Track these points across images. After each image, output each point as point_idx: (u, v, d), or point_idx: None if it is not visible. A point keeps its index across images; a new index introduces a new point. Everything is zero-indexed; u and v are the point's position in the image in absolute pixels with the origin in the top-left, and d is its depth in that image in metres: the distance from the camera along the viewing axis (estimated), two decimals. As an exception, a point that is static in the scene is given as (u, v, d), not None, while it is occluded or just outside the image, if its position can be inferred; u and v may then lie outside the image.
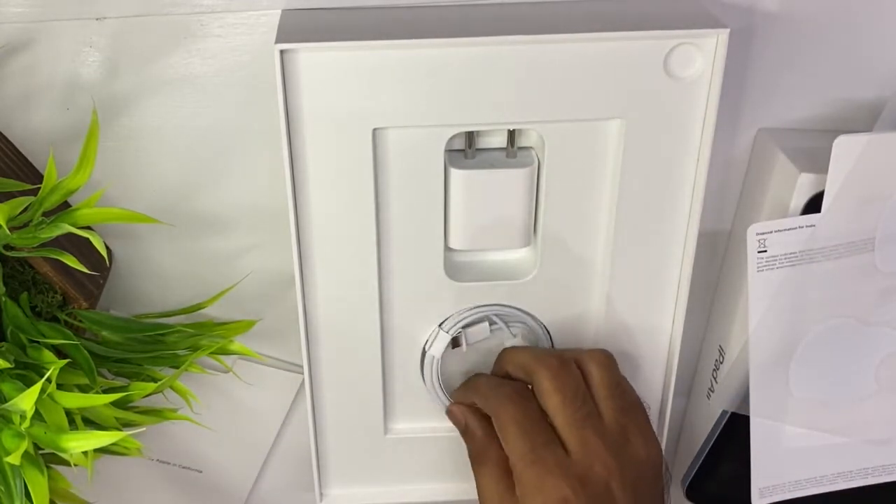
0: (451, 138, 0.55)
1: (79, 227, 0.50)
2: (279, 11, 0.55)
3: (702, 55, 0.52)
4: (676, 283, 0.60)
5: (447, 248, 0.59)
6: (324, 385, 0.63)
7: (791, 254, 0.57)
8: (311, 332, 0.60)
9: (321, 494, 0.68)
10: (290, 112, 0.52)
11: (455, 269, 0.60)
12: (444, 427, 0.64)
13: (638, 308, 0.61)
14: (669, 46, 0.52)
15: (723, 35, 0.51)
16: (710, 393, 0.67)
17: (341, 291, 0.59)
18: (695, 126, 0.54)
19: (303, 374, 0.68)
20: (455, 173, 0.56)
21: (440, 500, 0.68)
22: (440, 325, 0.61)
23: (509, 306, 0.60)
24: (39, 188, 0.51)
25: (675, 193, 0.57)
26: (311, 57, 0.51)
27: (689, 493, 0.69)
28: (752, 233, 0.56)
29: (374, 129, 0.53)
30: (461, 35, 0.51)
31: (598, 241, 0.59)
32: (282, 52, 0.50)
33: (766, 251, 0.57)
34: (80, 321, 0.57)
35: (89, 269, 0.52)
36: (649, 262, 0.59)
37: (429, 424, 0.66)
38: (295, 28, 0.52)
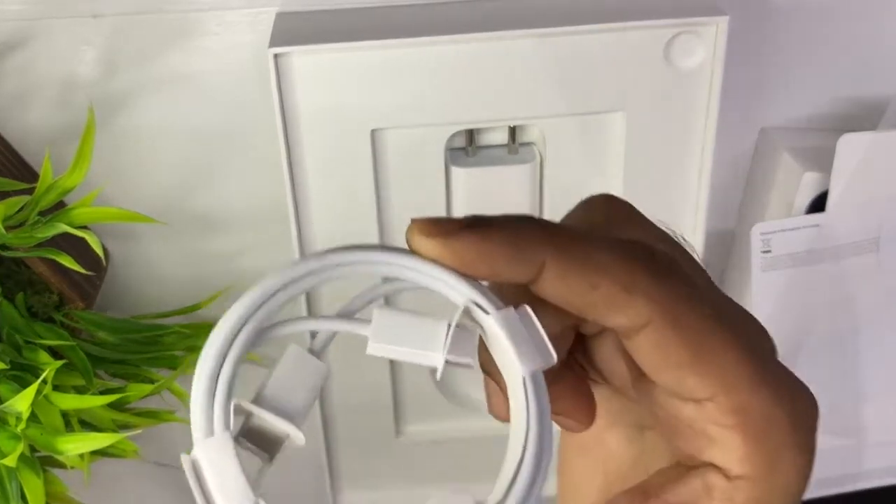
0: (452, 136, 0.54)
1: (75, 227, 0.49)
2: (277, 9, 0.54)
3: (703, 44, 0.52)
4: None
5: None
6: (333, 391, 0.62)
7: (795, 253, 0.56)
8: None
9: (334, 500, 0.67)
10: (287, 115, 0.52)
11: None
12: (457, 428, 0.63)
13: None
14: (669, 35, 0.51)
15: (722, 22, 0.51)
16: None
17: (345, 295, 0.58)
18: (698, 117, 0.54)
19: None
20: (457, 171, 0.56)
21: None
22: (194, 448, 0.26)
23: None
24: (35, 187, 0.51)
25: (681, 187, 0.56)
26: (305, 59, 0.51)
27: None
28: (756, 232, 0.56)
29: (373, 130, 0.53)
30: (457, 32, 0.50)
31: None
32: (276, 55, 0.50)
33: (770, 251, 0.56)
34: (77, 322, 0.56)
35: (86, 270, 0.52)
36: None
37: (441, 426, 0.65)
38: (289, 30, 0.52)
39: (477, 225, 0.25)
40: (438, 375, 0.25)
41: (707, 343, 0.25)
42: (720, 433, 0.25)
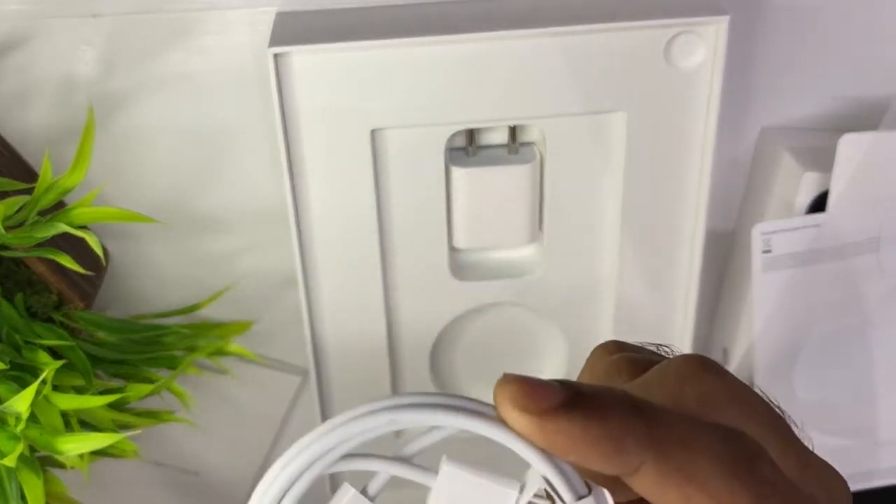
0: (452, 136, 0.54)
1: (75, 227, 0.49)
2: (277, 9, 0.54)
3: (703, 44, 0.52)
4: (686, 276, 0.59)
5: (451, 248, 0.59)
6: (332, 390, 0.62)
7: (796, 254, 0.56)
8: (317, 337, 0.60)
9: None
10: (287, 115, 0.52)
11: (460, 268, 0.60)
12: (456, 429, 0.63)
13: (647, 303, 0.60)
14: (669, 35, 0.51)
15: (722, 22, 0.51)
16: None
17: (345, 295, 0.58)
18: (698, 117, 0.54)
19: (300, 375, 0.67)
20: (457, 172, 0.55)
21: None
22: None
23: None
24: (35, 187, 0.51)
25: (681, 187, 0.56)
26: (305, 59, 0.51)
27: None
28: (757, 233, 0.56)
29: (373, 130, 0.53)
30: (457, 32, 0.50)
31: (604, 237, 0.58)
32: (275, 55, 0.50)
33: (770, 251, 0.56)
34: (76, 322, 0.56)
35: (85, 270, 0.52)
36: (657, 256, 0.59)
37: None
38: (289, 30, 0.52)
39: (576, 406, 0.23)
40: None
41: None
42: None
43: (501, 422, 0.23)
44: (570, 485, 0.23)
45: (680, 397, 0.26)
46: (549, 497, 0.23)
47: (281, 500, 0.23)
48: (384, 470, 0.24)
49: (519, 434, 0.23)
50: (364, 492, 0.24)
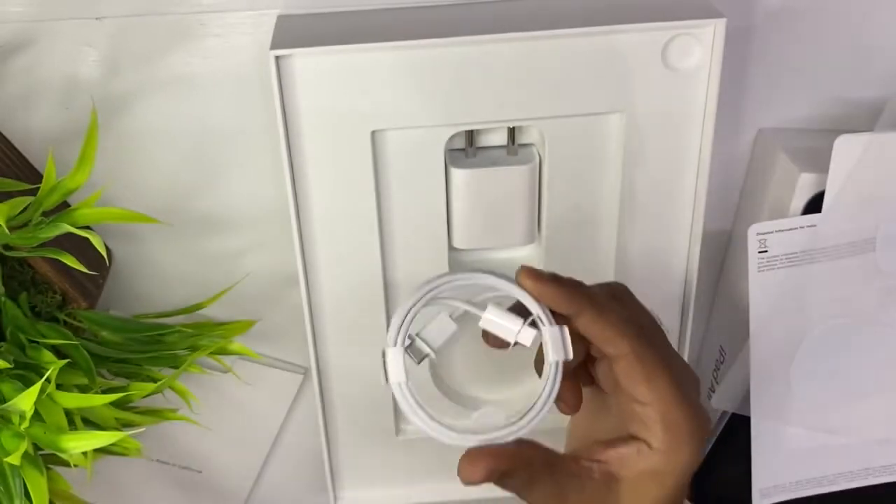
0: (451, 137, 0.55)
1: (78, 227, 0.50)
2: (278, 11, 0.55)
3: (700, 46, 0.52)
4: (683, 275, 0.60)
5: (451, 248, 0.59)
6: (333, 388, 0.63)
7: (792, 254, 0.57)
8: (318, 335, 0.60)
9: (335, 497, 0.68)
10: (288, 117, 0.52)
11: (460, 268, 0.60)
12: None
13: (645, 302, 0.60)
14: (667, 38, 0.52)
15: (720, 24, 0.51)
16: (711, 393, 0.67)
17: (346, 294, 0.59)
18: (696, 119, 0.54)
19: (302, 374, 0.68)
20: (456, 173, 0.56)
21: (454, 499, 0.68)
22: (385, 348, 0.45)
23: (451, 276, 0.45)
24: (39, 188, 0.51)
25: (679, 188, 0.57)
26: (307, 61, 0.51)
27: (690, 493, 0.69)
28: (753, 233, 0.56)
29: (373, 131, 0.54)
30: (456, 34, 0.51)
31: (602, 237, 0.59)
32: (277, 57, 0.50)
33: (766, 251, 0.57)
34: (80, 321, 0.57)
35: (89, 269, 0.52)
36: (655, 256, 0.59)
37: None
38: (290, 33, 0.52)
39: (556, 282, 0.44)
40: (512, 340, 0.44)
41: (655, 373, 0.44)
42: (651, 423, 0.45)
43: (519, 285, 0.44)
44: (548, 318, 0.44)
45: (609, 293, 0.47)
46: (535, 326, 0.44)
47: (407, 314, 0.44)
48: (458, 306, 0.45)
49: (527, 291, 0.44)
50: (450, 315, 0.46)
